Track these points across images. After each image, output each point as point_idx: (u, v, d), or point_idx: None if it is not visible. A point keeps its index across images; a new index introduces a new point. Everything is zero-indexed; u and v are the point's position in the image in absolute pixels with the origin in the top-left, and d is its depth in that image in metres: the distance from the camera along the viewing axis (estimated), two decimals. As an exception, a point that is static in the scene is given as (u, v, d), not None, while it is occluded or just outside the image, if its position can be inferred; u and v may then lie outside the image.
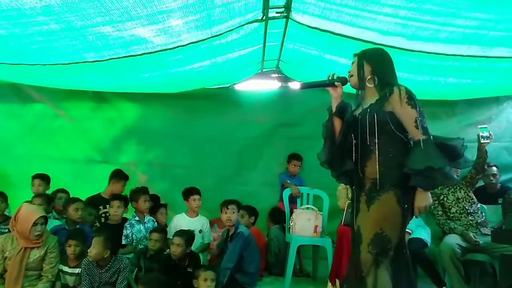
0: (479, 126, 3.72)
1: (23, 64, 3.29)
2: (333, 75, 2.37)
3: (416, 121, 2.15)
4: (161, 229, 3.74)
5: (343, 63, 3.62)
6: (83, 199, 3.96)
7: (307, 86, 2.40)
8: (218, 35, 2.98)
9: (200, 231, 3.98)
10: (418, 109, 2.17)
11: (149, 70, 3.74)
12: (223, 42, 3.16)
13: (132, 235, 3.82)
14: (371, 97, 2.32)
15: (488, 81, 4.02)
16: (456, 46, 2.99)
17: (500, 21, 2.53)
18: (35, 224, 3.11)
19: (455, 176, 2.22)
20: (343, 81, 2.37)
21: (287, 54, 4.01)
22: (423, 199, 2.17)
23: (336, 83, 2.36)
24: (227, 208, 3.69)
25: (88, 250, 3.15)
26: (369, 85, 2.32)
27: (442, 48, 3.04)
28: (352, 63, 2.41)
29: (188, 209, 4.12)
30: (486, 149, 3.66)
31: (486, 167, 3.84)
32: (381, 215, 2.19)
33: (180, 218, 4.05)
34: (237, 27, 2.96)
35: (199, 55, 3.42)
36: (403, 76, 3.62)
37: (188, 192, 4.11)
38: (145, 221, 3.94)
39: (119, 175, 4.33)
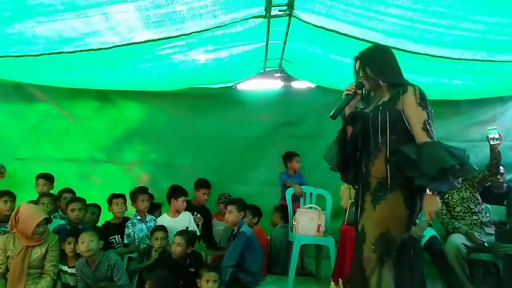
0: (488, 128, 3.68)
1: (26, 56, 3.20)
2: (352, 86, 2.33)
3: (424, 123, 2.12)
4: (163, 227, 3.74)
5: (348, 63, 3.61)
6: (87, 198, 3.97)
7: (337, 113, 2.33)
8: (222, 25, 2.95)
9: (187, 228, 3.91)
10: (428, 111, 2.14)
11: (152, 60, 3.63)
12: (226, 32, 3.12)
13: (134, 234, 3.83)
14: (384, 95, 2.31)
15: (493, 83, 3.99)
16: (462, 51, 2.97)
17: (507, 25, 2.50)
18: (38, 225, 3.12)
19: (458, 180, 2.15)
20: (361, 87, 2.35)
21: (290, 53, 4.00)
22: (433, 203, 2.09)
23: (358, 90, 2.33)
24: (226, 209, 3.73)
25: (87, 246, 3.12)
26: (383, 84, 2.30)
27: (447, 52, 3.02)
28: (354, 66, 2.39)
29: (169, 209, 4.09)
30: (499, 150, 3.62)
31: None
32: (387, 215, 2.16)
33: (164, 220, 3.99)
34: (241, 20, 2.94)
35: (202, 44, 3.37)
36: (407, 76, 3.61)
37: (178, 192, 4.08)
38: (146, 220, 3.95)
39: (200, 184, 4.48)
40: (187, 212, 4.14)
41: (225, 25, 2.96)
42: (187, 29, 2.90)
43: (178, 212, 4.06)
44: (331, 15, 2.72)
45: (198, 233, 4.15)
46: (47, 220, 3.23)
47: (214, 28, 2.97)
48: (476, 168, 2.20)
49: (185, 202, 4.08)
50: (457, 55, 3.07)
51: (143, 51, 3.29)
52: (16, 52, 3.10)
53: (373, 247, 2.15)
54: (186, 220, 4.03)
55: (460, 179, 3.75)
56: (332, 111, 2.30)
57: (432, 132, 2.12)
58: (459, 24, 2.54)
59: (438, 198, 2.10)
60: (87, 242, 3.13)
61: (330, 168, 2.46)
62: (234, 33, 3.18)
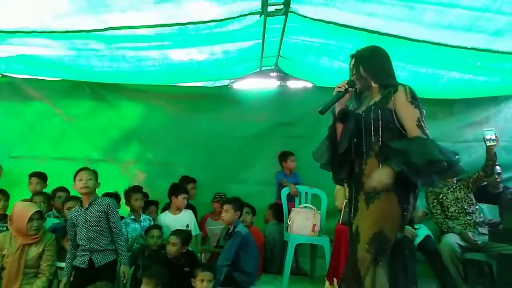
0: (484, 129, 3.70)
1: (20, 32, 3.13)
2: (343, 83, 2.32)
3: (418, 120, 2.13)
4: (159, 225, 3.74)
5: (346, 57, 3.62)
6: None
7: (326, 108, 2.31)
8: (218, 20, 2.95)
9: (187, 226, 3.93)
10: (421, 110, 2.16)
11: (147, 48, 3.61)
12: (224, 29, 3.13)
13: (127, 234, 3.81)
14: (375, 96, 2.32)
15: (490, 78, 3.99)
16: (462, 34, 2.93)
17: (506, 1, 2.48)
18: (31, 219, 3.10)
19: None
20: (353, 85, 2.35)
21: (287, 50, 4.00)
22: (385, 174, 2.04)
23: (349, 88, 2.32)
24: (222, 207, 3.75)
25: (85, 182, 3.05)
26: (374, 85, 2.32)
27: (447, 35, 2.98)
28: (350, 64, 2.40)
29: (171, 207, 4.11)
30: (494, 151, 3.64)
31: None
32: (381, 214, 2.17)
33: (165, 218, 4.01)
34: (238, 16, 2.95)
35: (198, 39, 3.38)
36: (406, 67, 3.60)
37: (178, 190, 4.09)
38: (140, 219, 3.94)
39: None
40: (189, 210, 4.15)
41: (221, 20, 2.95)
42: (182, 17, 2.88)
43: (179, 209, 4.08)
44: (330, 3, 2.71)
45: (199, 232, 4.17)
46: (41, 214, 3.20)
47: (209, 21, 2.96)
48: (466, 170, 2.20)
49: (185, 200, 4.08)
50: (457, 41, 3.05)
51: (137, 39, 3.25)
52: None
53: (367, 246, 2.16)
54: (187, 218, 4.05)
55: (454, 179, 3.83)
56: (321, 106, 2.31)
57: (426, 129, 2.14)
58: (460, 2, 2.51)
59: (392, 173, 2.03)
60: (85, 180, 3.07)
61: (320, 166, 2.46)
62: (231, 30, 3.19)
